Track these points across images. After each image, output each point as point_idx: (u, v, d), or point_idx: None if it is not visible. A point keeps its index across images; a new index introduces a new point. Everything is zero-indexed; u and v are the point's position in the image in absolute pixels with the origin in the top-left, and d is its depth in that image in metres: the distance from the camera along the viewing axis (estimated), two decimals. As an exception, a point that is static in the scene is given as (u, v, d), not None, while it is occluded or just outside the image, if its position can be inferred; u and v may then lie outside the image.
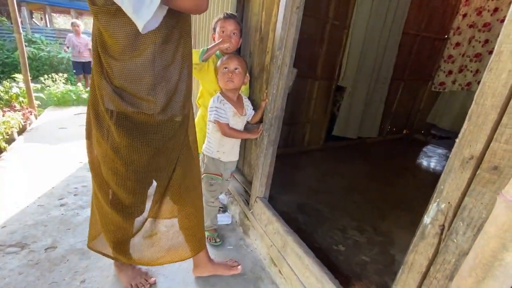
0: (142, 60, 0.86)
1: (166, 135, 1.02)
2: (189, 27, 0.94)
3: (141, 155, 1.00)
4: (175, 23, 0.88)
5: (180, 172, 1.13)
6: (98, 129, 0.99)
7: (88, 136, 1.07)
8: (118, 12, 0.76)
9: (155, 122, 0.98)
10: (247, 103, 1.64)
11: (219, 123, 1.49)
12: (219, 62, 1.52)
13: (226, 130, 1.50)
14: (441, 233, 0.68)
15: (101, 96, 0.93)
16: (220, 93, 1.52)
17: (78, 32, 5.52)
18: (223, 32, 1.61)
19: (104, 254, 1.27)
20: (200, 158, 1.60)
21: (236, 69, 1.46)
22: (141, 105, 0.94)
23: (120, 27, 0.80)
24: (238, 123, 1.58)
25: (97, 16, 0.80)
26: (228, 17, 1.62)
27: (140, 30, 0.76)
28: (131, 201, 1.11)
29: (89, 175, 2.35)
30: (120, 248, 1.22)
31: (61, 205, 1.92)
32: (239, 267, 1.45)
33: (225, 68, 1.46)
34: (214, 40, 1.67)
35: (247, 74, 1.62)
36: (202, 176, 1.61)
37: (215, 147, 1.57)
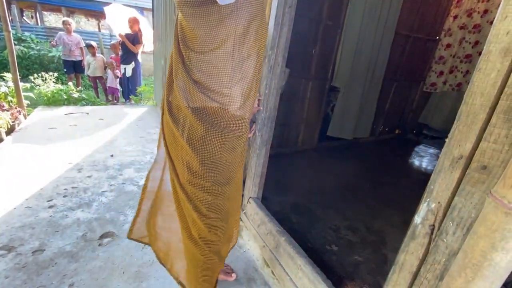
0: (221, 52, 0.87)
1: (237, 131, 1.01)
2: (265, 19, 0.94)
3: (214, 145, 0.98)
4: (254, 14, 0.88)
5: (237, 181, 1.16)
6: (174, 124, 0.99)
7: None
8: (202, 3, 0.79)
9: (228, 116, 0.97)
10: None
11: None
12: None
13: None
14: (431, 233, 0.68)
15: (178, 91, 0.95)
16: None
17: (70, 31, 5.42)
18: None
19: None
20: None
21: None
22: (216, 98, 0.94)
23: (202, 17, 0.81)
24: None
25: (181, 8, 0.82)
26: None
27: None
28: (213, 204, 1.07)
29: (79, 176, 2.33)
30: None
31: (50, 206, 1.88)
32: (233, 274, 1.43)
33: None
34: None
35: None
36: None
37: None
